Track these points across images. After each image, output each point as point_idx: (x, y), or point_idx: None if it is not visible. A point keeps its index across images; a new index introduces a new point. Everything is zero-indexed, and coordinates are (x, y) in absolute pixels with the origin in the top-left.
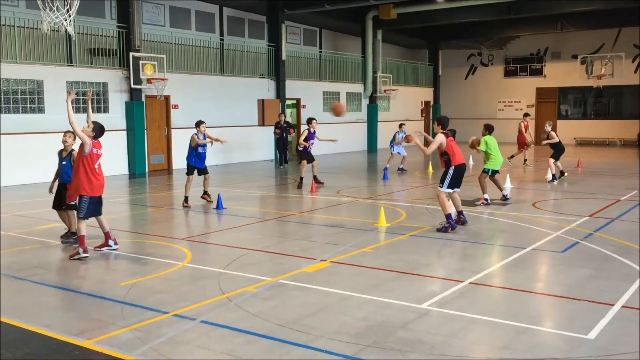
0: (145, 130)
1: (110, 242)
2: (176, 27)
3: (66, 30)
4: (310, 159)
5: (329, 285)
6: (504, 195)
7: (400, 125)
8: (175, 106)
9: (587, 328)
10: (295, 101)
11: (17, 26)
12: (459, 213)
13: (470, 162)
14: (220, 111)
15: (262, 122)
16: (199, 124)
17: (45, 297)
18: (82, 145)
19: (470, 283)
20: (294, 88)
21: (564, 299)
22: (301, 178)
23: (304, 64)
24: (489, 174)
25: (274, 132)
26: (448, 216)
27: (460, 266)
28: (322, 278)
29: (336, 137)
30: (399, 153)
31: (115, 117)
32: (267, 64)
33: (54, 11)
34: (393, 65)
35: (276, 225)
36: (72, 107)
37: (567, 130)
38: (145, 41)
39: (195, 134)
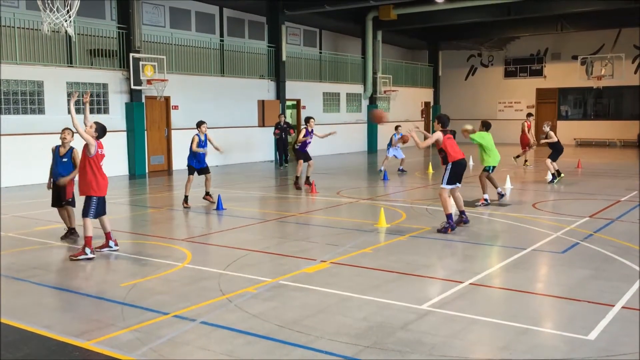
0: (146, 131)
1: (111, 243)
2: (176, 28)
3: (66, 31)
4: (307, 158)
5: (329, 286)
6: (499, 193)
7: (397, 127)
8: (176, 107)
9: (587, 329)
10: (295, 102)
11: (17, 27)
12: (461, 213)
13: (471, 162)
14: (220, 112)
15: (262, 123)
16: (199, 124)
17: (45, 298)
18: (87, 147)
19: (470, 284)
20: (294, 89)
21: (564, 300)
22: (297, 177)
23: (304, 65)
24: (490, 171)
25: (274, 133)
26: (449, 216)
27: (460, 267)
28: (322, 279)
29: (335, 138)
30: (395, 156)
31: (115, 118)
32: (267, 64)
33: (54, 12)
34: (393, 66)
35: (276, 226)
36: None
37: (567, 131)
38: (146, 42)
39: (197, 134)
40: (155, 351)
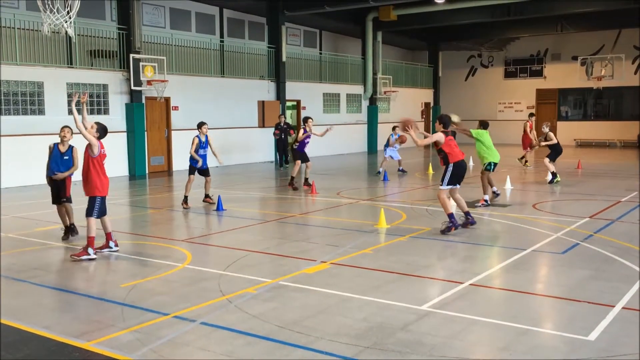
0: (146, 132)
1: (111, 244)
2: (176, 29)
3: (66, 32)
4: (305, 159)
5: (329, 287)
6: (494, 192)
7: (394, 128)
8: (176, 108)
9: (587, 329)
10: (295, 103)
11: (18, 28)
12: (466, 214)
13: (471, 163)
14: (220, 113)
15: (262, 124)
16: (200, 125)
17: (45, 299)
18: (90, 148)
19: (470, 284)
20: (294, 89)
21: (564, 301)
22: (292, 177)
23: (304, 66)
24: (492, 169)
25: (274, 134)
26: (450, 216)
27: (460, 267)
28: (322, 279)
29: (335, 139)
30: (391, 157)
31: (115, 118)
32: (267, 65)
33: (54, 13)
34: (393, 66)
35: (276, 226)
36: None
37: (567, 132)
38: (146, 43)
39: (197, 136)
40: (156, 352)
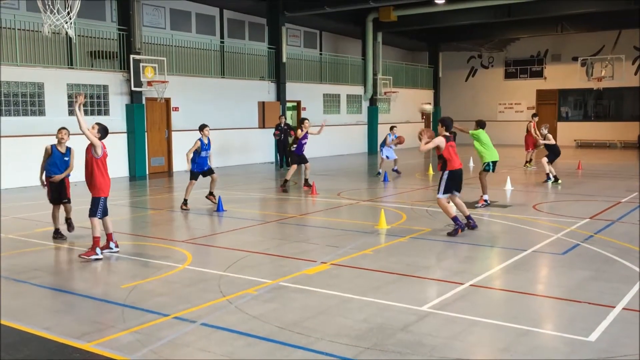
0: (146, 133)
1: (111, 245)
2: (177, 30)
3: (67, 33)
4: (303, 160)
5: (330, 288)
6: (484, 200)
7: (392, 128)
8: (176, 108)
9: (587, 330)
10: (295, 103)
11: (18, 29)
12: (468, 218)
13: (471, 163)
14: (220, 113)
15: (262, 125)
16: (202, 127)
17: (46, 300)
18: (92, 149)
19: (470, 285)
20: (294, 90)
21: (565, 301)
22: (285, 180)
23: (305, 66)
24: (491, 169)
25: (274, 134)
26: (455, 219)
27: (460, 268)
28: (322, 280)
29: (335, 140)
30: (387, 157)
31: (115, 119)
32: (267, 66)
33: (54, 14)
34: (393, 67)
35: (276, 227)
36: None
37: (567, 132)
38: (146, 44)
39: (199, 138)
40: (156, 353)
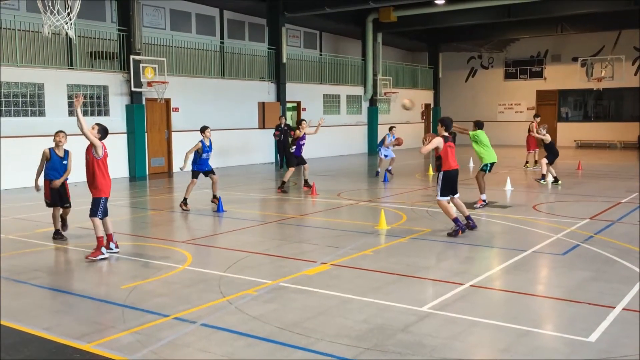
0: (146, 133)
1: (112, 245)
2: (177, 30)
3: (67, 34)
4: (301, 161)
5: (330, 288)
6: (482, 200)
7: (391, 128)
8: (176, 109)
9: (587, 331)
10: (295, 104)
11: (18, 29)
12: (467, 218)
13: (471, 164)
14: (220, 114)
15: (262, 125)
16: (203, 129)
17: (46, 300)
18: (93, 149)
19: (470, 286)
20: (294, 91)
21: (565, 302)
22: (283, 182)
23: (305, 67)
24: (488, 170)
25: (274, 135)
26: (455, 220)
27: (460, 269)
28: (322, 281)
29: (335, 140)
30: (386, 156)
31: (115, 120)
32: (267, 66)
33: (54, 14)
34: (393, 67)
35: (276, 228)
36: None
37: (567, 133)
38: (146, 44)
39: (201, 140)
40: (156, 353)
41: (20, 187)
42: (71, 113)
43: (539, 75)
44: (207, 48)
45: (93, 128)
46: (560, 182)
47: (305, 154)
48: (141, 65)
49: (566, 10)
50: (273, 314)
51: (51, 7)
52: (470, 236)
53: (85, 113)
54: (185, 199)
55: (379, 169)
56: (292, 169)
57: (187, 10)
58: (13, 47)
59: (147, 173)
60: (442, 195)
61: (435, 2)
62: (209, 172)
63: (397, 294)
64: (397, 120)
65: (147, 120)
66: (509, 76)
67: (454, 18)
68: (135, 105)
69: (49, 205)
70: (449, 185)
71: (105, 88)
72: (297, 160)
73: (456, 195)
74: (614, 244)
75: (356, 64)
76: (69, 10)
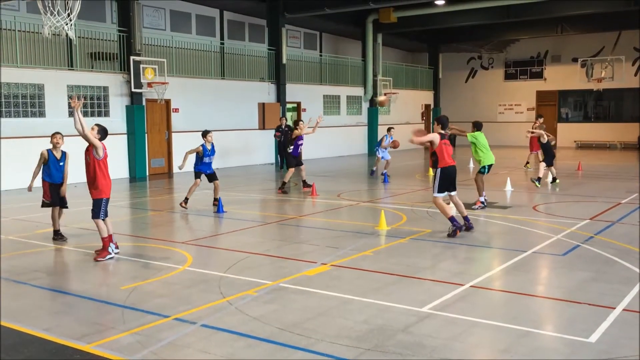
0: (146, 134)
1: (112, 246)
2: (177, 31)
3: (67, 34)
4: (299, 162)
5: (330, 289)
6: (481, 202)
7: (389, 129)
8: (176, 110)
9: (588, 331)
10: (295, 105)
11: (18, 30)
12: (465, 219)
13: (470, 164)
14: (220, 114)
15: (262, 126)
16: (205, 134)
17: (46, 301)
18: (94, 150)
19: (471, 286)
20: (294, 91)
21: (565, 302)
22: (284, 183)
23: (305, 68)
24: (486, 172)
25: (275, 135)
26: (451, 219)
27: (460, 269)
28: (322, 281)
29: (335, 141)
30: (382, 158)
31: (115, 120)
32: (267, 67)
33: (54, 15)
34: (393, 68)
35: (276, 228)
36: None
37: (567, 133)
38: (146, 45)
39: (202, 144)
40: (156, 354)
41: (20, 188)
42: (72, 114)
43: (539, 75)
44: (207, 49)
45: (93, 129)
46: (558, 181)
47: (305, 154)
48: (141, 66)
49: (566, 11)
50: (273, 314)
51: (51, 8)
52: (470, 237)
53: (85, 114)
54: (186, 198)
55: (374, 168)
56: (291, 170)
57: (187, 11)
58: (13, 48)
59: (147, 174)
60: (438, 191)
61: (435, 2)
62: (211, 178)
63: (397, 294)
64: (397, 120)
65: (147, 121)
66: (509, 77)
67: (454, 19)
68: (135, 106)
69: (47, 205)
70: (446, 182)
71: (105, 89)
72: (295, 161)
73: (454, 193)
74: (614, 245)
75: (356, 64)
76: (69, 11)
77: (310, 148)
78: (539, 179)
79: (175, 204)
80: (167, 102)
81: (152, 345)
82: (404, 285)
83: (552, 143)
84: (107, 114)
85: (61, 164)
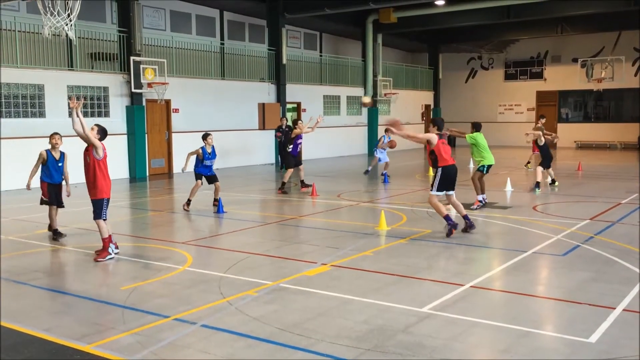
0: (146, 134)
1: (111, 246)
2: (177, 32)
3: (67, 35)
4: (298, 162)
5: (330, 289)
6: (480, 201)
7: (387, 130)
8: (176, 110)
9: (588, 331)
10: (295, 105)
11: (18, 30)
12: (465, 218)
13: (471, 165)
14: (220, 115)
15: (262, 126)
16: (205, 136)
17: (46, 301)
18: (94, 150)
19: (471, 287)
20: (294, 92)
21: (565, 303)
22: (283, 183)
23: (305, 68)
24: (485, 171)
25: (276, 136)
26: (446, 217)
27: (460, 270)
28: (322, 282)
29: (335, 141)
30: (380, 160)
31: (115, 121)
32: (267, 67)
33: (54, 15)
34: (393, 68)
35: (276, 229)
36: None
37: (567, 134)
38: (146, 45)
39: (202, 147)
40: (156, 354)
41: (20, 189)
42: (72, 115)
43: (539, 76)
44: (207, 49)
45: (92, 129)
46: (557, 183)
47: (305, 154)
48: (141, 66)
49: (566, 11)
50: (273, 314)
51: (51, 9)
52: (470, 237)
53: (85, 114)
54: (189, 200)
55: (369, 168)
56: (290, 170)
57: (187, 11)
58: (13, 48)
59: (147, 174)
60: (437, 190)
61: (435, 3)
62: (212, 180)
63: (398, 294)
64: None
65: (147, 122)
66: (509, 77)
67: (454, 19)
68: (135, 106)
69: (45, 203)
70: (447, 182)
71: (105, 89)
72: (294, 161)
73: (451, 193)
74: (614, 245)
75: (356, 64)
76: (69, 11)
77: (310, 148)
78: (537, 184)
79: (176, 204)
80: (167, 102)
81: (152, 346)
82: (404, 286)
83: (555, 141)
84: (107, 114)
85: (60, 164)
